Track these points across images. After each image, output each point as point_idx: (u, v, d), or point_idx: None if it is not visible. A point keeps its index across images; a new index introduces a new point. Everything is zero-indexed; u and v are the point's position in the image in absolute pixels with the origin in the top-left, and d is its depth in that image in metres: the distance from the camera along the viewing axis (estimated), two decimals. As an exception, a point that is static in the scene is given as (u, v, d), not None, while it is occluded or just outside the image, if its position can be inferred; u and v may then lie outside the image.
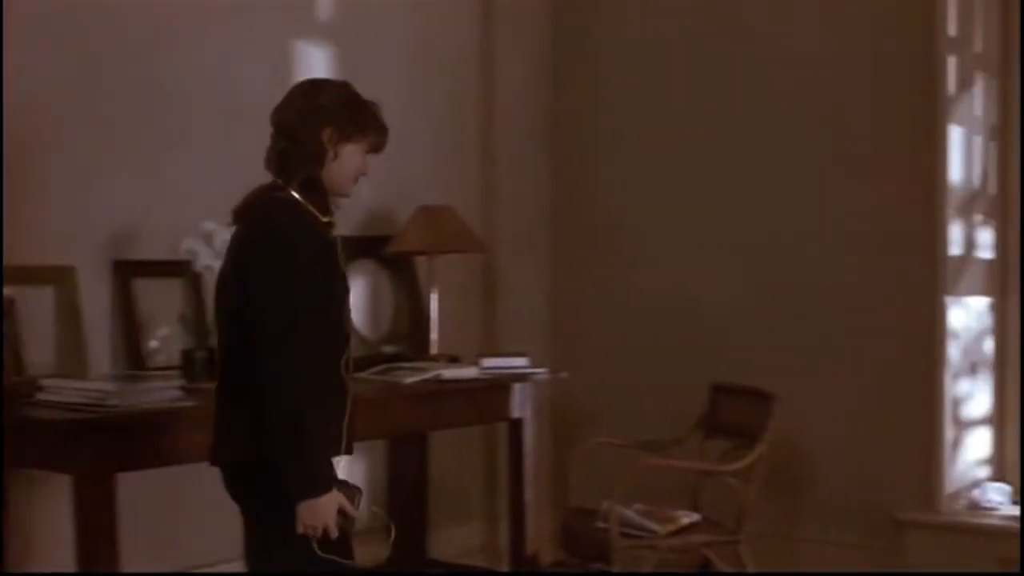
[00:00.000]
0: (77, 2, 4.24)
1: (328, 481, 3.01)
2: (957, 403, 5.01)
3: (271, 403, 2.96)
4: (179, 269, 4.41)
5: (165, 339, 4.43)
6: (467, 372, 4.65)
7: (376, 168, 5.14)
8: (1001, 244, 5.16)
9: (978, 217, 5.10)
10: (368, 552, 5.11)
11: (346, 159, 3.20)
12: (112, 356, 4.36)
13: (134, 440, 3.68)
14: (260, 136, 4.74)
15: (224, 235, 4.30)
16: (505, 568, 5.20)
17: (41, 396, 3.77)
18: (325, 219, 3.17)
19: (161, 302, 4.44)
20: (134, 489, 3.84)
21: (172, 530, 4.48)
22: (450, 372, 4.59)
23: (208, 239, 4.29)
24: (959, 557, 4.82)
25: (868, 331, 5.10)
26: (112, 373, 4.27)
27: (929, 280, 4.95)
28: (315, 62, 4.98)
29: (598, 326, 5.81)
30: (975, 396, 5.10)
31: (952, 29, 4.94)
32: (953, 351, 4.98)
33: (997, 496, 5.01)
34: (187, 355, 4.22)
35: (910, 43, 4.99)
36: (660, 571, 4.72)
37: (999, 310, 5.17)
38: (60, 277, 4.20)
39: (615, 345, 5.75)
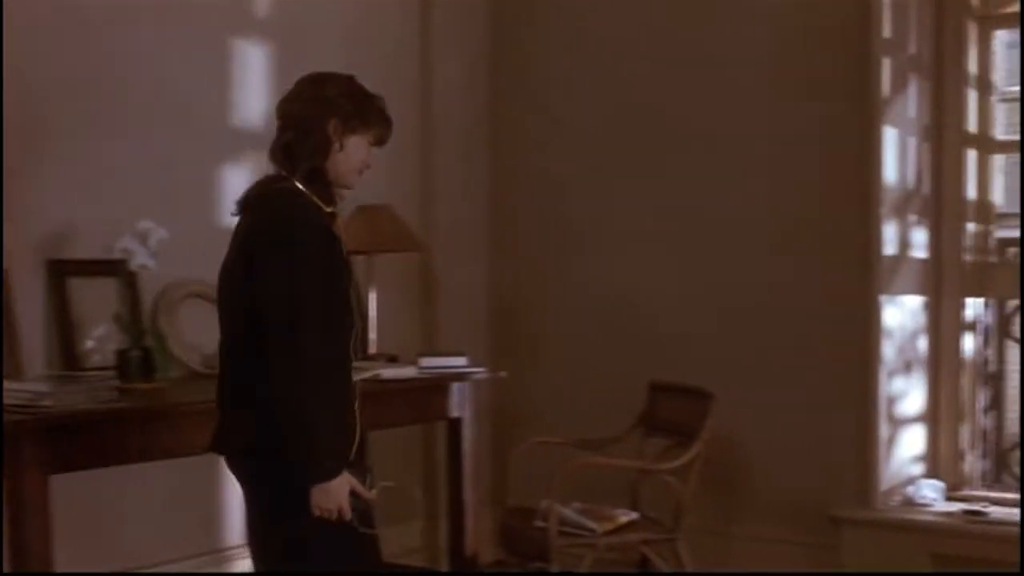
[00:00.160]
0: (9, -3, 4.20)
1: (338, 464, 3.07)
2: (892, 401, 5.07)
3: (277, 391, 3.00)
4: (114, 268, 4.36)
5: (100, 339, 4.39)
6: (406, 372, 4.64)
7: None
8: (934, 244, 5.22)
9: (912, 217, 5.15)
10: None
11: (351, 151, 3.25)
12: (47, 356, 4.31)
13: (69, 441, 3.63)
14: (198, 133, 4.76)
15: (160, 234, 4.28)
16: (445, 568, 5.19)
17: (-26, 397, 3.73)
18: (328, 210, 3.21)
19: (96, 302, 4.40)
20: (70, 490, 3.81)
21: (109, 532, 4.44)
22: (389, 372, 4.57)
23: (143, 238, 4.25)
24: (893, 553, 4.88)
25: (805, 330, 5.15)
26: (46, 374, 4.23)
27: (864, 279, 5.00)
28: (252, 59, 4.96)
29: (538, 325, 5.82)
30: (909, 394, 5.16)
31: (887, 31, 4.99)
32: (888, 350, 5.03)
33: (931, 493, 5.07)
34: (122, 355, 4.17)
35: (846, 45, 5.04)
36: (598, 570, 4.73)
37: (933, 309, 5.23)
38: (-8, 277, 4.15)
39: (555, 344, 5.76)
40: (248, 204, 3.24)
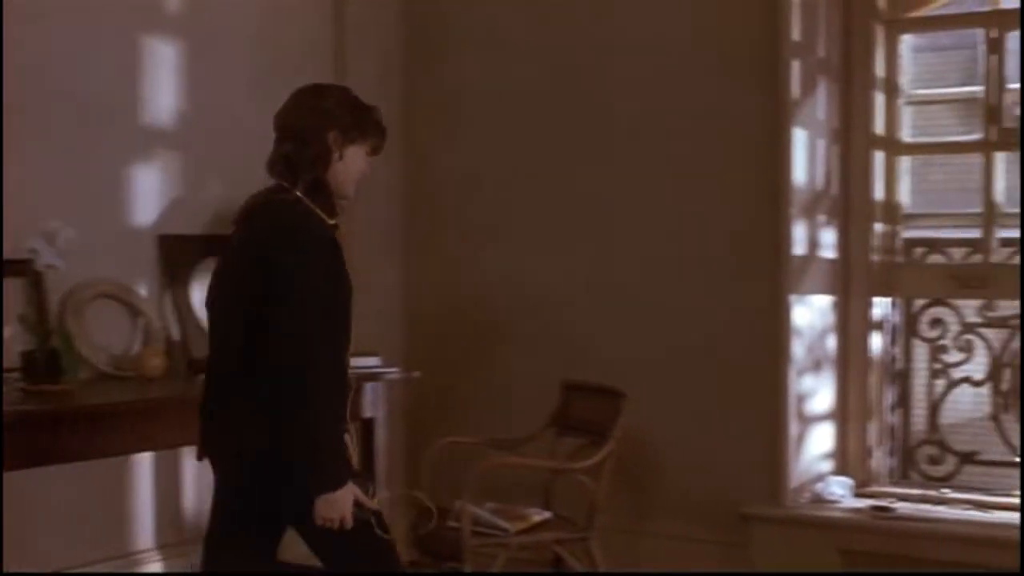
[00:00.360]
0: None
1: (344, 475, 3.13)
2: (801, 399, 5.13)
3: (288, 401, 3.06)
4: (20, 268, 4.29)
5: (6, 340, 4.31)
6: (318, 372, 4.60)
7: (225, 166, 5.12)
8: (843, 244, 5.29)
9: (821, 218, 5.21)
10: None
11: (350, 161, 3.33)
12: (-50, 358, 4.24)
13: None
14: (107, 132, 4.70)
15: (68, 233, 4.23)
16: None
17: None
18: (331, 221, 3.29)
19: (3, 302, 4.32)
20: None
21: (17, 536, 4.37)
22: (301, 372, 4.54)
23: (50, 238, 4.20)
24: (802, 550, 4.94)
25: (715, 329, 5.20)
26: (-51, 375, 4.15)
27: (774, 279, 5.05)
28: (163, 56, 4.91)
29: (451, 325, 5.81)
30: (818, 392, 5.22)
31: (796, 34, 5.05)
32: (797, 348, 5.09)
33: (839, 490, 5.13)
34: (28, 356, 4.11)
35: (756, 48, 5.09)
36: (511, 570, 4.74)
37: (841, 308, 5.30)
38: None
39: (468, 343, 5.76)
40: (250, 215, 3.29)
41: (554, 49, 5.53)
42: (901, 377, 5.43)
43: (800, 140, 5.08)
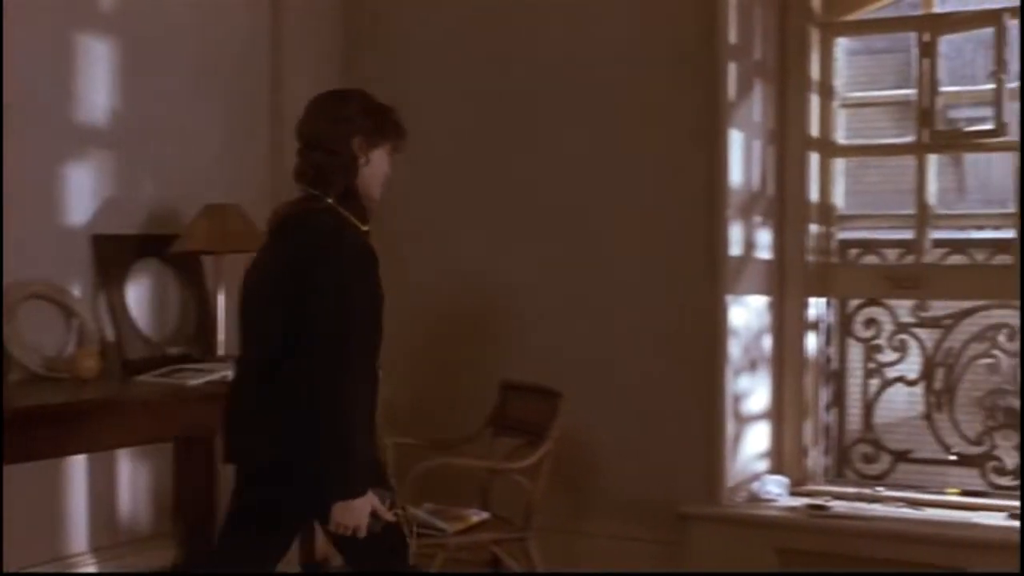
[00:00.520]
0: None
1: (365, 484, 3.20)
2: (737, 399, 5.16)
3: (323, 407, 3.12)
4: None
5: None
6: (255, 373, 4.57)
7: (160, 165, 5.08)
8: (778, 245, 5.33)
9: (757, 219, 5.25)
10: (152, 557, 5.04)
11: (376, 164, 3.42)
12: None
13: None
14: (39, 131, 4.64)
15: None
16: (295, 570, 5.14)
17: None
18: (364, 228, 3.38)
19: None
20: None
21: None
22: (237, 373, 4.52)
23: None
24: (739, 548, 4.97)
25: (652, 329, 5.22)
26: None
27: (711, 279, 5.08)
28: (97, 54, 4.85)
29: (388, 325, 5.77)
30: (755, 392, 5.26)
31: (733, 37, 5.08)
32: (734, 348, 5.13)
33: (775, 488, 5.17)
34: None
35: (693, 50, 5.11)
36: (449, 570, 4.73)
37: (777, 309, 5.34)
38: None
39: (406, 344, 5.73)
40: (285, 224, 3.35)
41: (492, 50, 5.53)
42: (836, 377, 5.48)
43: (736, 141, 5.11)
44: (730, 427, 5.11)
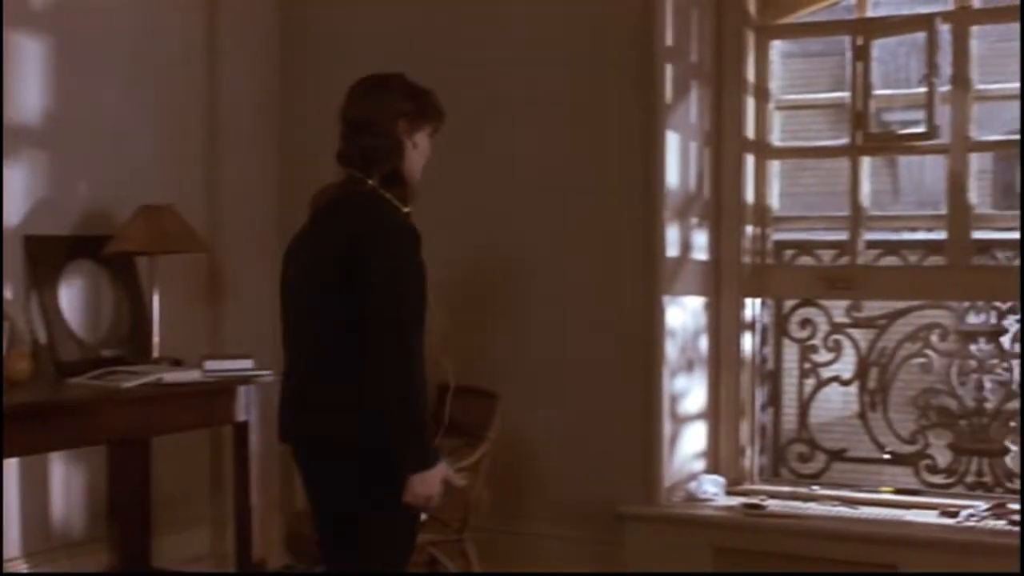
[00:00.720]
0: None
1: (437, 454, 3.34)
2: (674, 399, 5.18)
3: (389, 384, 3.23)
4: None
5: None
6: (190, 375, 4.56)
7: (94, 165, 5.03)
8: (715, 246, 5.37)
9: (694, 220, 5.28)
10: (86, 561, 4.99)
11: (421, 147, 3.54)
12: None
13: None
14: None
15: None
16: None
17: None
18: (406, 210, 3.46)
19: None
20: None
21: None
22: (172, 376, 4.49)
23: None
24: (676, 548, 4.99)
25: (590, 330, 5.23)
26: None
27: (648, 280, 5.10)
28: (29, 52, 4.79)
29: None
30: (691, 392, 5.29)
31: (669, 39, 5.11)
32: (671, 349, 5.15)
33: (712, 488, 5.20)
34: None
35: (630, 52, 5.13)
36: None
37: (713, 309, 5.38)
38: None
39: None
40: (334, 206, 3.44)
41: (430, 48, 5.50)
42: (772, 377, 5.53)
43: (673, 143, 5.14)
44: (667, 427, 5.14)
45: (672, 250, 5.15)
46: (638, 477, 5.14)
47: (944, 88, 4.99)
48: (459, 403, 4.95)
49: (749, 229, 5.37)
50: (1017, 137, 4.94)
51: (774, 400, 5.53)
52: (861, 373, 5.38)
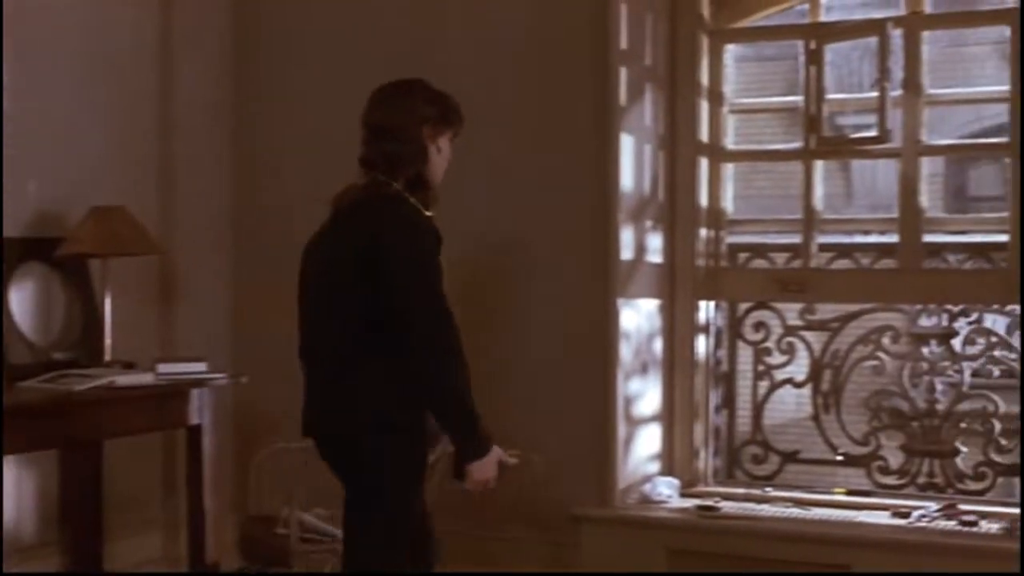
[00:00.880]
0: None
1: (491, 439, 3.46)
2: (629, 401, 5.20)
3: (438, 380, 3.38)
4: None
5: None
6: (142, 378, 4.53)
7: (45, 166, 4.98)
8: (669, 249, 5.38)
9: (648, 223, 5.30)
10: (38, 565, 4.94)
11: (443, 151, 3.62)
12: None
13: None
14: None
15: None
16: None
17: None
18: (428, 213, 3.49)
19: None
20: None
21: None
22: (124, 379, 4.46)
23: None
24: (630, 549, 5.01)
25: (544, 332, 5.23)
26: None
27: (602, 283, 5.11)
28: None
29: (280, 328, 5.72)
30: (646, 394, 5.30)
31: (623, 42, 5.12)
32: (625, 351, 5.16)
33: (666, 490, 5.22)
34: None
35: (584, 54, 5.14)
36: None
37: (667, 312, 5.39)
38: None
39: (296, 349, 5.68)
40: (358, 209, 3.47)
41: (384, 51, 5.49)
42: (726, 379, 5.55)
43: (627, 146, 5.15)
44: (621, 429, 5.15)
45: (626, 253, 5.16)
46: (593, 479, 5.15)
47: (896, 92, 5.03)
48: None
49: (703, 232, 5.40)
50: (973, 140, 5.00)
51: (728, 402, 5.55)
52: (814, 375, 5.41)
